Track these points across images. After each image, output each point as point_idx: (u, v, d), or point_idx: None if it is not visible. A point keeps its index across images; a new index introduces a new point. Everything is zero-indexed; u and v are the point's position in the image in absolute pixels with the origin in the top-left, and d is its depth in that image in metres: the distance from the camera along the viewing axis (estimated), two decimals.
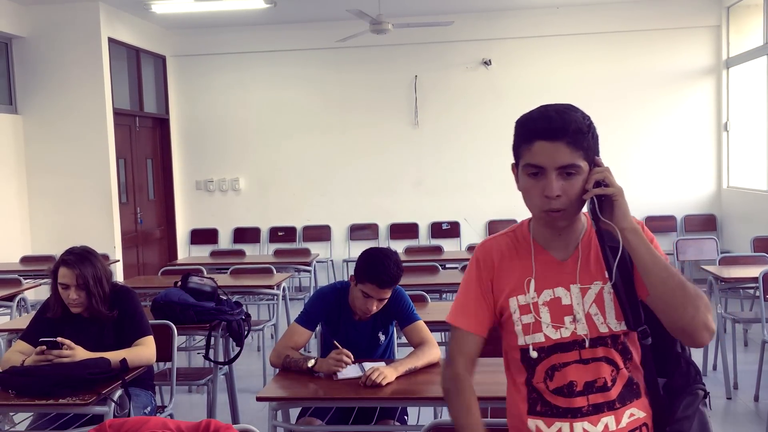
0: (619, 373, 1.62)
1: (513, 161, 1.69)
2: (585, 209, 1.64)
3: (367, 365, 2.77)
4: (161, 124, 8.74)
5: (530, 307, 1.64)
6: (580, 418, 1.60)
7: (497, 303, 1.69)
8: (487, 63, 8.33)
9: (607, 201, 1.57)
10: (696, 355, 5.29)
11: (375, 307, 2.87)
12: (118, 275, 7.23)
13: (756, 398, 4.41)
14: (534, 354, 1.63)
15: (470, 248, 6.83)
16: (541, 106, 1.60)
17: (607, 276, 1.60)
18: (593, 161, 1.58)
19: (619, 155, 8.25)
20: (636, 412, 1.63)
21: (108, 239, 7.25)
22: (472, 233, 8.44)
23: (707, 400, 1.76)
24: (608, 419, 1.60)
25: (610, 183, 1.56)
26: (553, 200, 1.56)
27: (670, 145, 8.21)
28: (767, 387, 4.22)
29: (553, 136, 1.53)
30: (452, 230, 8.48)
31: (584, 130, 1.55)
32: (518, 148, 1.62)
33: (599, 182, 1.56)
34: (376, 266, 2.80)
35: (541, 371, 1.63)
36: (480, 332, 1.68)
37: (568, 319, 1.62)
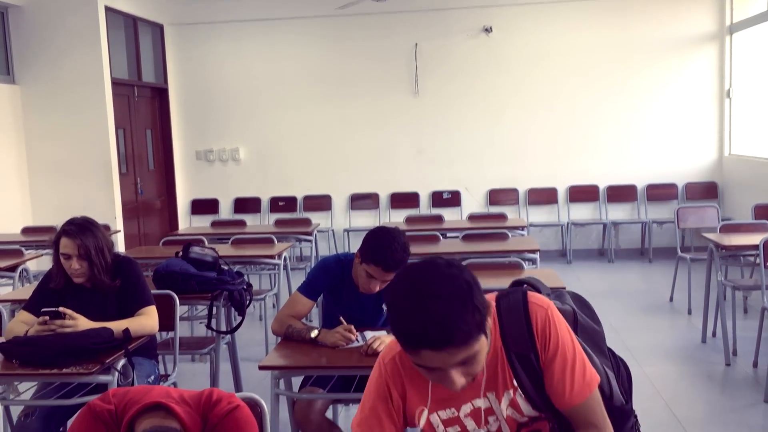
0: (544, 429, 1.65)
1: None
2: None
3: (369, 334, 2.79)
4: (160, 94, 8.68)
5: (453, 421, 1.63)
6: None
7: (410, 418, 1.66)
8: (488, 30, 8.25)
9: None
10: (695, 321, 5.37)
11: (378, 288, 2.87)
12: (120, 246, 7.25)
13: (755, 364, 4.45)
14: None
15: (471, 217, 6.84)
16: (415, 306, 1.37)
17: (515, 384, 1.59)
18: (485, 325, 1.43)
19: (619, 122, 8.23)
20: None
21: (109, 210, 7.26)
22: (473, 202, 8.44)
23: (638, 428, 1.82)
24: None
25: None
26: (456, 390, 1.48)
27: (672, 112, 8.16)
28: (766, 353, 4.25)
29: (438, 346, 1.37)
30: (453, 199, 8.47)
31: (470, 324, 1.37)
32: (400, 342, 1.44)
33: None
34: (383, 249, 2.77)
35: None
36: None
37: (492, 418, 1.63)
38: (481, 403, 1.63)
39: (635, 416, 1.80)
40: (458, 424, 1.64)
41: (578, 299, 1.84)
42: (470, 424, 1.64)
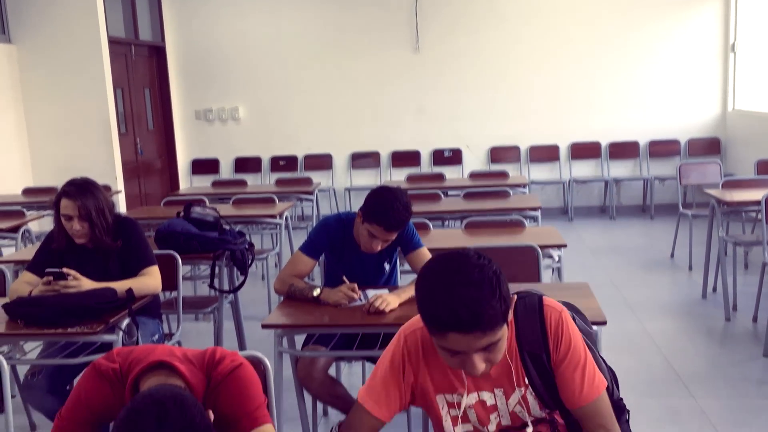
0: None
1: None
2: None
3: (371, 292, 2.80)
4: (158, 53, 8.58)
5: (456, 405, 1.67)
6: None
7: (419, 397, 1.69)
8: None
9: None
10: (696, 277, 5.39)
11: (380, 247, 2.87)
12: (121, 206, 7.26)
13: (755, 319, 4.48)
14: None
15: (472, 175, 6.82)
16: (446, 292, 1.42)
17: (527, 382, 1.64)
18: (508, 316, 1.50)
19: (622, 78, 8.14)
20: None
21: (109, 170, 7.24)
22: (474, 160, 8.41)
23: (628, 423, 1.86)
24: None
25: None
26: (477, 375, 1.53)
27: (675, 66, 8.07)
28: (766, 308, 4.27)
29: (467, 329, 1.42)
30: (454, 157, 8.43)
31: (497, 310, 1.42)
32: (427, 326, 1.50)
33: None
34: (386, 209, 2.77)
35: None
36: (386, 419, 1.68)
37: (493, 416, 1.68)
38: (486, 396, 1.67)
39: (627, 411, 1.87)
40: (461, 411, 1.67)
41: (570, 306, 1.90)
42: (472, 414, 1.68)
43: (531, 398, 1.66)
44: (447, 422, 1.69)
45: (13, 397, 3.31)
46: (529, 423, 1.68)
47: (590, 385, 1.61)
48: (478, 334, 1.43)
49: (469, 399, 1.66)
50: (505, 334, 1.50)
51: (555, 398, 1.65)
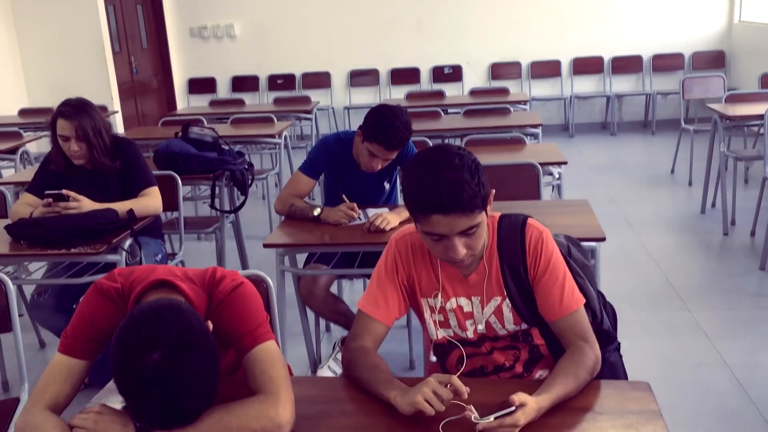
0: (522, 354, 1.78)
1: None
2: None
3: (371, 212, 2.81)
4: None
5: (437, 310, 1.75)
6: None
7: (411, 297, 1.77)
8: None
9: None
10: (695, 193, 5.40)
11: (380, 166, 2.86)
12: (118, 127, 7.20)
13: (752, 233, 4.51)
14: (446, 349, 1.78)
15: (472, 92, 6.73)
16: (429, 175, 1.54)
17: (505, 293, 1.72)
18: (487, 204, 1.60)
19: None
20: (544, 373, 1.76)
21: (105, 90, 7.15)
22: (475, 77, 8.28)
23: (619, 352, 1.91)
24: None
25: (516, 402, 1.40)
26: (458, 259, 1.61)
27: None
28: (764, 222, 4.29)
29: (447, 210, 1.52)
30: (454, 74, 8.30)
31: (475, 192, 1.53)
32: (413, 212, 1.60)
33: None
34: (386, 128, 2.74)
35: (453, 359, 1.79)
36: (387, 322, 1.73)
37: (469, 322, 1.75)
38: (463, 303, 1.74)
39: (618, 343, 1.91)
40: (443, 315, 1.75)
41: (571, 239, 1.95)
42: (453, 319, 1.75)
43: (506, 310, 1.73)
44: (430, 325, 1.78)
45: (21, 315, 3.37)
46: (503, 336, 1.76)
47: (569, 298, 1.66)
48: (459, 215, 1.53)
49: (450, 304, 1.74)
50: (484, 221, 1.60)
51: (533, 313, 1.71)
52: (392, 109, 2.81)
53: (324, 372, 3.00)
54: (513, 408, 1.35)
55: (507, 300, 1.72)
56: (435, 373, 1.46)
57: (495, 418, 1.34)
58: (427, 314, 1.77)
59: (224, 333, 1.55)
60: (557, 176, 3.80)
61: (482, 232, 1.61)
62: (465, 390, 1.41)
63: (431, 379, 1.43)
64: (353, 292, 3.93)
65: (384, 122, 2.76)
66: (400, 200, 3.28)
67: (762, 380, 2.87)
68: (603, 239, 2.43)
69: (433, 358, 1.83)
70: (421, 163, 1.58)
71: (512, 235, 1.70)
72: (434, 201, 1.52)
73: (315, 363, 3.06)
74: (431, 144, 4.08)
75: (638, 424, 1.39)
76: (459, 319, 1.75)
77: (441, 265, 1.73)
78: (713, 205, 5.11)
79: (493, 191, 1.63)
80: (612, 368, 1.83)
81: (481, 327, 1.75)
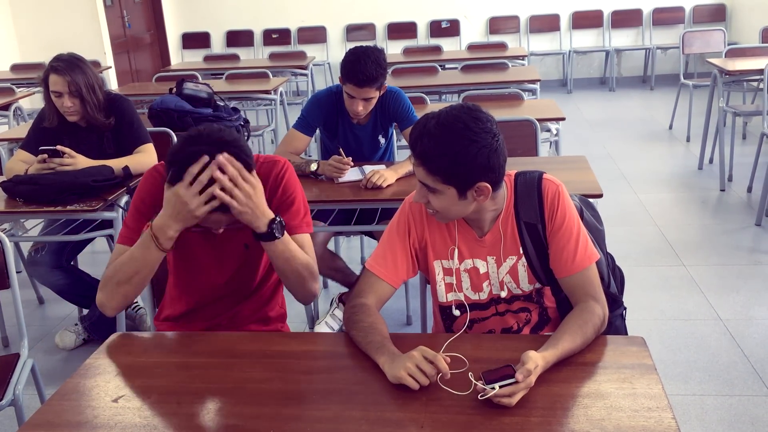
0: (533, 317, 1.77)
1: None
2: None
3: (368, 168, 2.80)
4: None
5: (452, 271, 1.75)
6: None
7: (422, 261, 1.77)
8: None
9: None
10: (693, 149, 5.39)
11: (361, 108, 2.83)
12: (112, 82, 7.13)
13: (749, 189, 4.52)
14: (456, 312, 1.77)
15: (470, 47, 6.64)
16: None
17: (521, 252, 1.70)
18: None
19: None
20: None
21: (97, 45, 7.05)
22: (473, 31, 8.17)
23: (623, 318, 1.91)
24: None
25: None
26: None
27: None
28: (761, 178, 4.29)
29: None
30: (452, 29, 8.19)
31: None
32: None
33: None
34: (354, 65, 2.74)
35: (461, 323, 1.77)
36: (394, 284, 1.72)
37: (485, 283, 1.75)
38: (480, 264, 1.73)
39: (624, 308, 1.91)
40: (457, 277, 1.74)
41: (585, 201, 1.95)
42: (466, 280, 1.75)
43: (522, 269, 1.72)
44: (441, 288, 1.77)
45: (18, 272, 3.39)
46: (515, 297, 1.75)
47: (583, 254, 1.65)
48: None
49: (464, 265, 1.73)
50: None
51: (548, 272, 1.71)
52: (364, 48, 2.81)
53: (321, 328, 3.03)
54: (514, 380, 1.33)
55: (523, 258, 1.71)
56: (421, 346, 1.43)
57: (500, 387, 1.33)
58: (439, 277, 1.76)
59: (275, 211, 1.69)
60: (555, 132, 3.78)
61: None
62: (448, 371, 1.38)
63: (416, 353, 1.41)
64: (350, 249, 3.94)
65: (352, 60, 2.76)
66: (397, 157, 3.27)
67: (755, 334, 2.90)
68: (600, 195, 2.43)
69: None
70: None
71: (529, 191, 1.69)
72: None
73: (312, 319, 3.08)
74: (429, 100, 4.05)
75: (633, 378, 1.41)
76: (473, 280, 1.74)
77: (457, 226, 1.72)
78: (711, 161, 5.10)
79: (487, 185, 1.58)
80: (615, 333, 1.82)
81: (495, 288, 1.74)
